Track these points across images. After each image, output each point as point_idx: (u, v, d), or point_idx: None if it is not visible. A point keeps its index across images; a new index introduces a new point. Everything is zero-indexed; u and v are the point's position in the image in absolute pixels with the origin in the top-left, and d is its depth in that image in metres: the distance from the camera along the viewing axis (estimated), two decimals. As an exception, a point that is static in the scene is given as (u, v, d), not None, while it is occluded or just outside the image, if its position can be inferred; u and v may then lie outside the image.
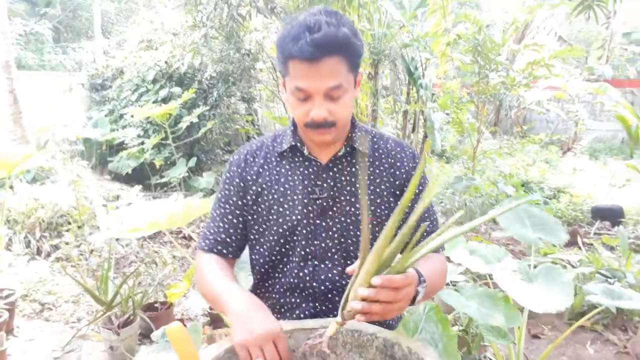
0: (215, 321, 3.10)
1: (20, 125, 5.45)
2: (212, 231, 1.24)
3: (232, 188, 1.25)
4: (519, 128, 9.68)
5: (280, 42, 1.09)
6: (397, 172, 1.24)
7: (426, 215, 1.26)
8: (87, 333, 3.15)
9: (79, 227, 4.29)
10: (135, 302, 2.95)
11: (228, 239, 1.24)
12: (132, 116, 5.54)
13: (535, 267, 3.31)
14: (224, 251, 1.24)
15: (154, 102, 5.95)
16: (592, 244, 4.19)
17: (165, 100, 5.89)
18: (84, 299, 3.53)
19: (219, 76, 5.95)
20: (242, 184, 1.24)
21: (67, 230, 4.24)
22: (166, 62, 6.28)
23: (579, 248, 4.10)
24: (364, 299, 0.87)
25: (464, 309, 1.69)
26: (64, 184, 4.69)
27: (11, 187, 4.68)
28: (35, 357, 2.90)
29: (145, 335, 3.10)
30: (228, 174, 1.28)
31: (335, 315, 1.20)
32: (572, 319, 3.20)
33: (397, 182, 1.24)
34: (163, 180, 5.69)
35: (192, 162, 5.87)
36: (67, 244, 4.23)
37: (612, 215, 5.01)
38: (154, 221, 2.31)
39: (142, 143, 5.79)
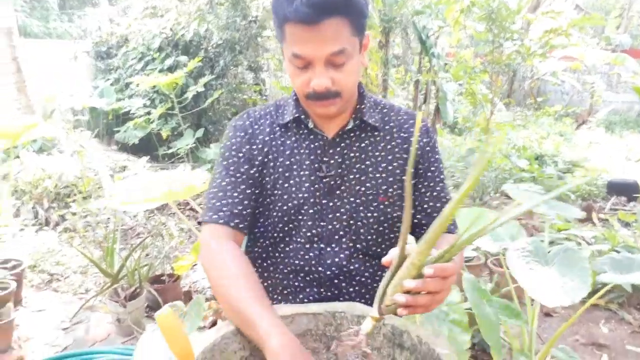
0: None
1: (24, 94, 5.39)
2: (224, 202, 1.08)
3: (240, 155, 1.13)
4: (532, 100, 9.46)
5: (275, 3, 0.98)
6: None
7: (442, 194, 1.18)
8: (95, 305, 3.14)
9: (84, 198, 4.26)
10: (142, 274, 2.93)
11: (244, 212, 1.09)
12: (137, 85, 5.45)
13: (550, 243, 3.21)
14: (241, 225, 1.08)
15: (159, 71, 5.85)
16: (607, 220, 4.10)
17: (171, 69, 5.79)
18: (92, 270, 3.52)
19: (225, 44, 5.82)
20: (250, 152, 1.13)
21: (73, 201, 4.22)
22: (171, 30, 6.15)
23: (594, 224, 4.01)
24: (407, 292, 0.79)
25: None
26: (69, 154, 4.66)
27: (18, 157, 4.66)
28: (44, 328, 2.90)
29: (152, 308, 3.10)
30: (234, 140, 1.15)
31: (341, 301, 1.14)
32: (585, 297, 3.13)
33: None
34: (170, 151, 5.63)
35: (200, 132, 5.79)
36: (73, 214, 4.21)
37: (628, 190, 4.89)
38: (160, 193, 2.25)
39: (149, 113, 5.72)
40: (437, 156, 1.17)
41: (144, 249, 3.27)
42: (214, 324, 2.55)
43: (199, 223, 1.11)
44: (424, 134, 1.16)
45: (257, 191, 1.12)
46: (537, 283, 1.72)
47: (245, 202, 1.09)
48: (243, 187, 1.10)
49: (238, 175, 1.11)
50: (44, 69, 6.44)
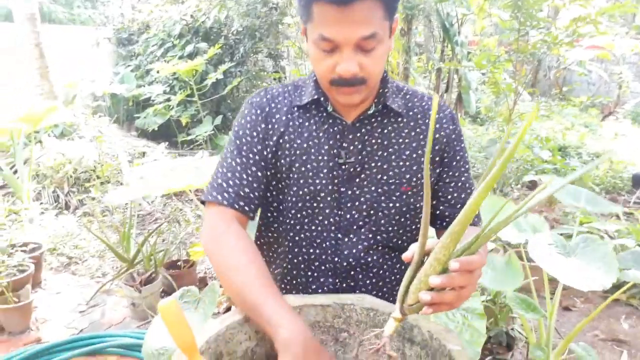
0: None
1: (47, 79, 5.44)
2: (231, 182, 1.03)
3: (255, 134, 1.06)
4: (557, 90, 9.25)
5: None
6: (437, 135, 1.08)
7: (467, 185, 1.12)
8: (111, 288, 3.18)
9: (102, 184, 4.30)
10: (157, 260, 2.95)
11: (252, 195, 1.03)
12: (158, 72, 5.46)
13: (570, 237, 3.15)
14: (246, 208, 1.03)
15: (179, 58, 5.85)
16: (632, 214, 3.99)
17: (191, 56, 5.79)
18: (109, 255, 3.56)
19: (245, 31, 5.79)
20: (265, 132, 1.07)
21: (92, 186, 4.26)
22: (192, 16, 6.14)
23: (618, 218, 3.90)
24: (431, 289, 0.74)
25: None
26: (88, 139, 4.70)
27: (40, 142, 4.72)
28: (61, 310, 2.94)
29: (167, 293, 3.11)
30: (249, 118, 1.08)
31: (357, 293, 1.09)
32: (606, 292, 3.06)
33: (436, 147, 1.08)
34: (189, 137, 5.64)
35: (218, 120, 5.79)
36: (92, 199, 4.26)
37: (654, 184, 4.75)
38: (179, 184, 2.24)
39: (168, 100, 5.74)
40: (462, 145, 1.11)
41: (160, 234, 3.29)
42: (227, 309, 2.56)
43: (202, 202, 1.07)
44: (449, 120, 1.10)
45: (269, 174, 1.07)
46: (565, 271, 1.69)
47: (255, 184, 1.04)
48: (254, 169, 1.05)
49: (250, 155, 1.05)
50: (66, 55, 6.50)
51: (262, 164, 1.06)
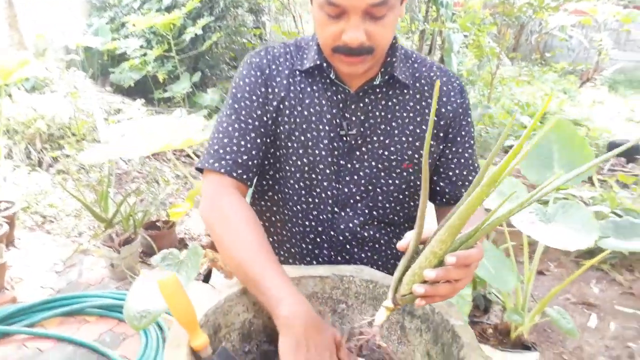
0: (218, 243, 3.06)
1: (16, 29, 5.16)
2: (229, 150, 0.98)
3: (254, 98, 1.00)
4: (538, 55, 9.24)
5: None
6: (443, 109, 1.02)
7: (470, 161, 1.08)
8: (89, 248, 3.13)
9: (78, 141, 4.18)
10: (136, 220, 2.90)
11: (250, 163, 0.99)
12: (134, 25, 5.24)
13: (545, 203, 3.21)
14: (244, 176, 0.98)
15: (157, 11, 5.60)
16: (605, 181, 4.08)
17: (168, 9, 5.54)
18: (86, 214, 3.48)
19: (225, -16, 5.57)
20: (265, 96, 1.01)
21: (67, 143, 4.13)
22: (169, -34, 5.85)
23: (593, 184, 3.99)
24: (425, 282, 0.71)
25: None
26: (62, 94, 4.52)
27: (10, 96, 4.52)
28: (37, 269, 2.89)
29: (147, 254, 3.08)
30: (248, 80, 1.01)
31: (354, 264, 1.08)
32: (579, 257, 3.15)
33: (441, 121, 1.03)
34: (166, 94, 5.48)
35: (197, 76, 5.63)
36: (67, 157, 4.13)
37: (628, 151, 4.84)
38: (158, 145, 2.17)
39: (145, 54, 5.53)
40: (468, 119, 1.06)
41: (138, 194, 3.22)
42: (209, 272, 2.54)
43: (199, 170, 1.02)
44: (458, 94, 1.04)
45: (268, 140, 1.03)
46: (547, 235, 1.73)
47: (253, 152, 1.00)
48: (252, 135, 1.00)
49: (250, 121, 1.00)
50: (36, 3, 6.16)
51: (262, 130, 1.01)
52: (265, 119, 1.01)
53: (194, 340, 0.74)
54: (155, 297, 1.68)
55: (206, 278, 2.51)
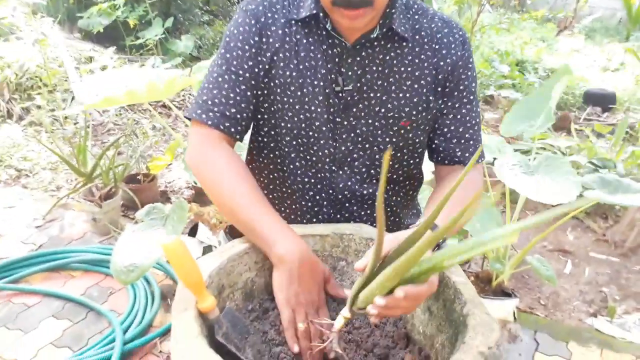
0: (201, 195, 3.04)
1: (-27, -30, 4.83)
2: (217, 101, 0.96)
3: (247, 48, 0.96)
4: (517, 1, 9.13)
5: None
6: (442, 62, 0.99)
7: (467, 118, 1.03)
8: (68, 203, 3.07)
9: (50, 92, 4.02)
10: (117, 174, 2.84)
11: (239, 116, 0.97)
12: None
13: (526, 152, 3.26)
14: (232, 129, 0.97)
15: (125, -50, 5.30)
16: (582, 130, 4.14)
17: (137, -51, 5.25)
18: (62, 167, 3.40)
19: None
20: (259, 46, 0.96)
21: (38, 94, 3.97)
22: None
23: (570, 134, 4.05)
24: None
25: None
26: (29, 42, 4.30)
27: (-29, 43, 4.29)
28: (16, 225, 2.84)
29: (129, 207, 3.05)
30: (242, 28, 0.97)
31: (353, 222, 1.08)
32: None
33: (439, 76, 0.99)
34: (138, 41, 5.26)
35: (169, 22, 5.40)
36: (38, 107, 3.99)
37: (603, 101, 4.91)
38: (132, 91, 2.09)
39: (114, -2, 5.27)
40: (469, 73, 1.02)
41: (117, 147, 3.15)
42: (195, 226, 2.54)
43: (187, 118, 1.00)
44: (459, 45, 1.00)
45: (259, 93, 1.00)
46: (532, 188, 1.76)
47: (243, 104, 0.98)
48: (243, 87, 0.97)
49: (240, 72, 0.97)
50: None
51: (252, 82, 0.98)
52: (256, 70, 0.98)
53: (201, 302, 0.74)
54: (142, 251, 1.67)
55: (192, 232, 2.51)
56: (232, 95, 0.96)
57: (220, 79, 0.97)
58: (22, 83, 4.12)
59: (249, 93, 0.98)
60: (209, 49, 5.63)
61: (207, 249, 2.28)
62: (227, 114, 0.96)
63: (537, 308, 2.36)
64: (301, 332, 0.82)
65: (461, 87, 1.01)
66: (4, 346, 1.95)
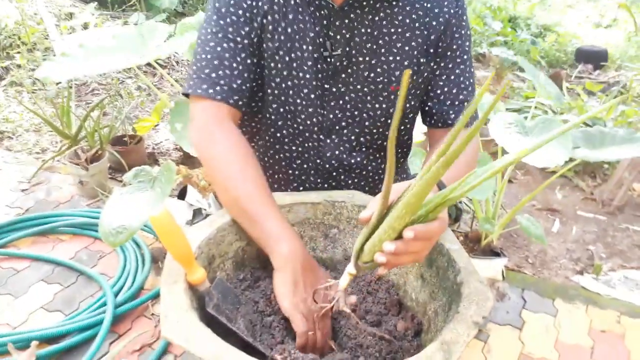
0: (189, 157, 3.00)
1: None
2: (221, 73, 0.90)
3: (240, 13, 0.91)
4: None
5: None
6: (434, 22, 0.94)
7: (461, 79, 0.99)
8: (54, 165, 3.02)
9: (29, 51, 3.88)
10: (102, 136, 2.78)
11: (244, 87, 0.92)
12: None
13: (518, 110, 3.23)
14: (240, 103, 0.92)
15: None
16: (573, 89, 4.12)
17: None
18: (46, 129, 3.33)
19: None
20: (250, 10, 0.91)
21: (17, 53, 3.84)
22: None
23: (560, 91, 4.02)
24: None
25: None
26: (4, -3, 4.12)
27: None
28: (2, 188, 2.79)
29: (116, 170, 3.01)
30: None
31: (342, 189, 1.06)
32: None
33: (432, 36, 0.95)
34: (120, -4, 5.08)
35: (153, -24, 5.20)
36: (19, 67, 3.86)
37: (595, 58, 4.86)
38: (122, 56, 2.01)
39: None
40: (463, 31, 0.97)
41: (102, 108, 3.07)
42: (184, 189, 2.51)
43: (186, 95, 0.95)
44: (452, 2, 0.95)
45: (256, 60, 0.95)
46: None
47: (245, 74, 0.92)
48: (243, 55, 0.92)
49: (239, 39, 0.91)
50: None
51: (251, 49, 0.93)
52: (252, 35, 0.92)
53: (190, 274, 0.73)
54: (131, 213, 1.65)
55: (181, 195, 2.48)
56: (234, 65, 0.91)
57: (219, 49, 0.91)
58: (0, 41, 3.97)
59: (249, 61, 0.93)
60: (194, 5, 5.46)
61: (197, 212, 2.26)
62: (234, 86, 0.91)
63: (525, 266, 2.40)
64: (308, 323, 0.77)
65: (454, 47, 0.97)
66: (-5, 311, 1.95)
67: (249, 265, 0.90)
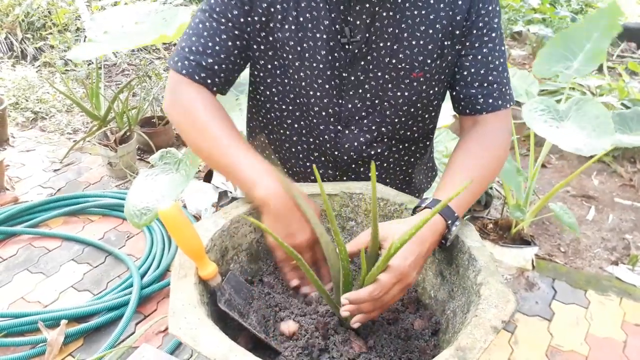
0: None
1: None
2: (194, 49, 0.89)
3: None
4: None
5: None
6: (459, 1, 0.87)
7: (489, 58, 0.92)
8: (85, 146, 3.07)
9: (60, 32, 3.93)
10: (131, 117, 2.81)
11: (216, 67, 0.90)
12: None
13: (554, 92, 3.09)
14: (209, 81, 0.90)
15: None
16: (614, 68, 3.93)
17: None
18: (78, 110, 3.38)
19: None
20: None
21: (49, 34, 3.90)
22: None
23: (600, 71, 3.84)
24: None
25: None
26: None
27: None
28: (35, 168, 2.86)
29: (144, 151, 3.04)
30: None
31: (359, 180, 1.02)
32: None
33: (457, 17, 0.88)
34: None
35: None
36: (52, 47, 3.92)
37: (639, 36, 4.62)
38: (146, 34, 2.01)
39: None
40: (490, 7, 0.89)
41: (131, 90, 3.09)
42: (209, 171, 2.52)
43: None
44: None
45: (250, 45, 0.92)
46: (560, 136, 1.66)
47: (222, 55, 0.90)
48: (224, 37, 0.89)
49: (223, 20, 0.88)
50: None
51: (236, 32, 0.89)
52: (242, 20, 0.89)
53: (202, 269, 0.71)
54: (155, 195, 1.66)
55: (207, 177, 2.49)
56: (210, 44, 0.89)
57: (201, 26, 0.90)
58: (33, 22, 4.04)
59: (230, 43, 0.90)
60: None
61: (223, 194, 2.27)
62: (203, 63, 0.90)
63: (557, 255, 2.32)
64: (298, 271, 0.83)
65: (481, 24, 0.90)
66: (27, 289, 2.01)
67: (264, 257, 0.88)
